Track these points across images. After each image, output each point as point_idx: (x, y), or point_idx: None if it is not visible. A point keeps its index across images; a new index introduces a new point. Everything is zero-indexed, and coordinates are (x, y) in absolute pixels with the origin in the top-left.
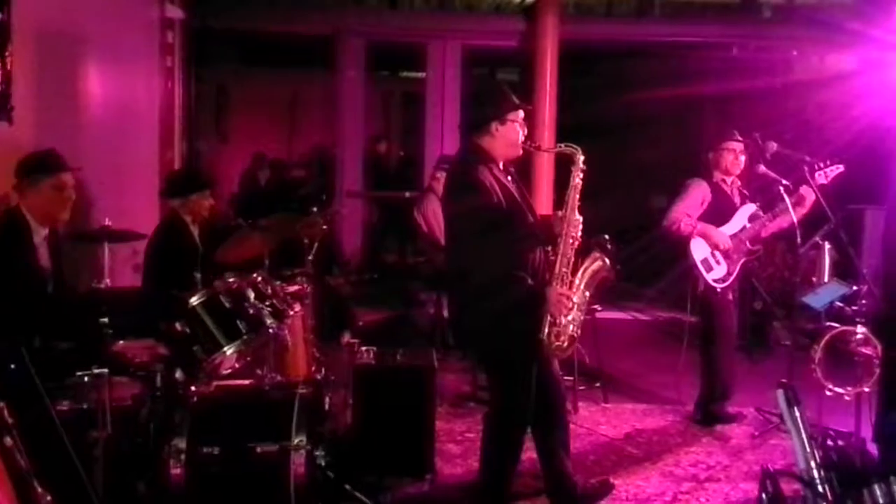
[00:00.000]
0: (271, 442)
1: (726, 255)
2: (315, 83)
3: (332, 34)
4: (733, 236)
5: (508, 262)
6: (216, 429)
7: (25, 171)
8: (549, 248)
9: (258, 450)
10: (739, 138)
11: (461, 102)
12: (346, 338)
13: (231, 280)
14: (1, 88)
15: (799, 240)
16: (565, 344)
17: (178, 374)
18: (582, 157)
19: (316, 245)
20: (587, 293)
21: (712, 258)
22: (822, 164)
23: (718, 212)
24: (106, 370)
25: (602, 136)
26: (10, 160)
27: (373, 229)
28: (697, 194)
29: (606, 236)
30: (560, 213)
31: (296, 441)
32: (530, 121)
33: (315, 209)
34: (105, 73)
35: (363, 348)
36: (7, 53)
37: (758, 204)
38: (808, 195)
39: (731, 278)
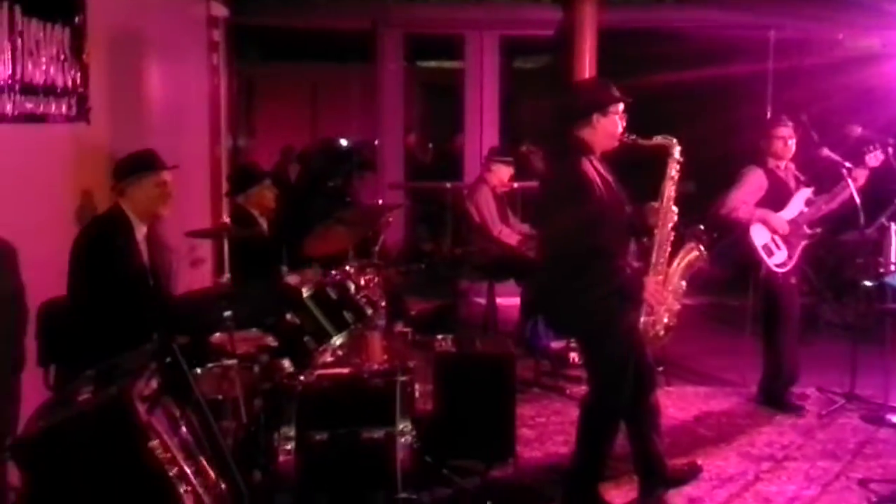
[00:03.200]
0: (377, 427)
1: (786, 239)
2: (335, 75)
3: (370, 27)
4: (791, 221)
5: (609, 252)
6: (323, 416)
7: (128, 170)
8: (645, 239)
9: (364, 435)
10: (789, 123)
11: (500, 93)
12: (400, 327)
13: (335, 272)
14: (80, 89)
15: (862, 220)
16: (661, 332)
17: (287, 364)
18: (678, 149)
19: (382, 237)
20: (683, 283)
21: (773, 243)
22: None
23: (775, 197)
24: (235, 361)
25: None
26: (89, 159)
27: (410, 220)
28: (754, 181)
29: (701, 226)
30: (656, 204)
31: (401, 426)
32: None
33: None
34: (164, 72)
35: (440, 337)
36: (84, 55)
37: (812, 188)
38: (861, 177)
39: (792, 262)
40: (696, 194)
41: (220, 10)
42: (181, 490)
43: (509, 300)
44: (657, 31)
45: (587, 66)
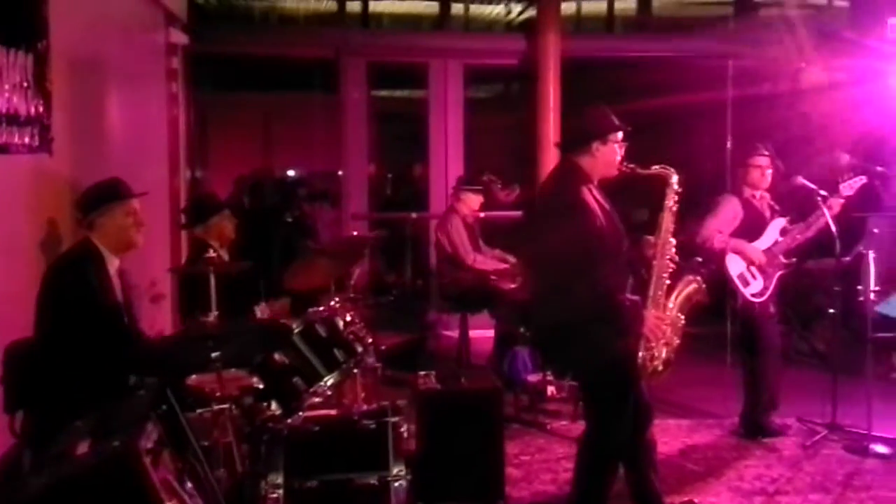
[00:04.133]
0: (369, 472)
1: (762, 269)
2: (289, 105)
3: (334, 55)
4: (766, 251)
5: (607, 285)
6: (312, 462)
7: (95, 201)
8: (643, 271)
9: (357, 482)
10: (765, 153)
11: (463, 122)
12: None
13: (321, 308)
14: (43, 119)
15: (837, 249)
16: (660, 367)
17: (274, 407)
18: (676, 178)
19: (357, 271)
20: (681, 316)
21: (748, 273)
22: (845, 178)
23: (750, 227)
24: (228, 405)
25: None
26: (52, 192)
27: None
28: (729, 210)
29: (699, 259)
30: (653, 237)
31: (395, 471)
32: (533, 140)
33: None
34: (124, 101)
35: (423, 373)
36: (47, 82)
37: (788, 217)
38: (836, 205)
39: (769, 292)
40: (649, 222)
41: (180, 38)
42: None
43: (480, 332)
44: (618, 60)
45: (551, 95)
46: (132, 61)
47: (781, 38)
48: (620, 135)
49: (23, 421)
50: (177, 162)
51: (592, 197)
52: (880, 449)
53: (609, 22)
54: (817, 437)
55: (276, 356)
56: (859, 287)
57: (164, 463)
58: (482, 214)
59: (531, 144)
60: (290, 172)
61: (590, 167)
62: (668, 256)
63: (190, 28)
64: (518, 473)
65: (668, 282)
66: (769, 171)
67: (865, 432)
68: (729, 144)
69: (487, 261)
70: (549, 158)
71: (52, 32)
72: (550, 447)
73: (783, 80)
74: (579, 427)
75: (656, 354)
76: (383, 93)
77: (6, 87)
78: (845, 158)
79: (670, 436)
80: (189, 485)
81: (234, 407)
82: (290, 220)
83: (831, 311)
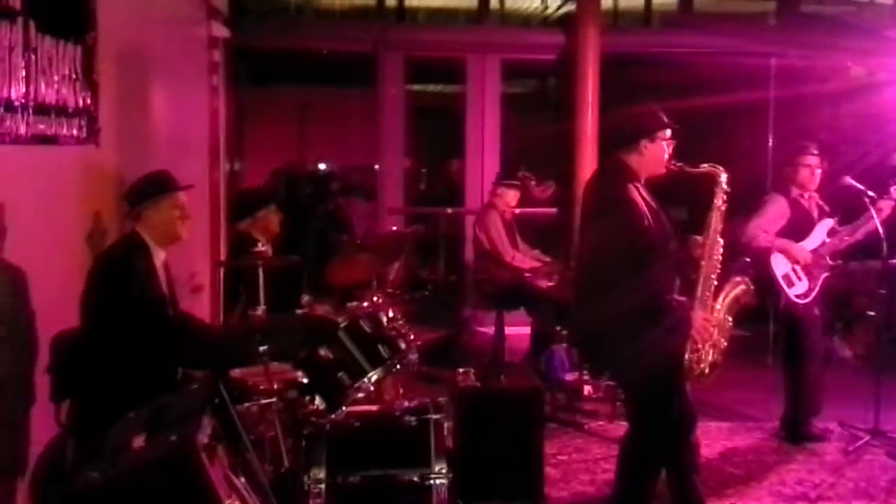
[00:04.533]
0: (411, 469)
1: (807, 270)
2: (323, 98)
3: (371, 50)
4: (813, 251)
5: (656, 284)
6: (354, 457)
7: (143, 193)
8: (691, 272)
9: (399, 478)
10: (815, 152)
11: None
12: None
13: (364, 304)
14: (91, 110)
15: (885, 250)
16: (707, 370)
17: (318, 402)
18: (725, 177)
19: (396, 266)
20: (729, 318)
21: (793, 274)
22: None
23: (798, 227)
24: (274, 398)
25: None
26: (98, 183)
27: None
28: (776, 210)
29: (747, 259)
30: (701, 237)
31: (437, 468)
32: (572, 137)
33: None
34: (168, 93)
35: (462, 370)
36: (95, 74)
37: (836, 218)
38: (887, 207)
39: (813, 294)
40: (686, 221)
41: (222, 31)
42: None
43: (514, 329)
44: (658, 56)
45: (590, 91)
46: (175, 54)
47: (824, 36)
48: (669, 133)
49: (69, 411)
50: (217, 155)
51: (640, 195)
52: None
53: (647, 17)
54: (860, 442)
55: (322, 351)
56: None
57: (220, 457)
58: (517, 210)
59: (569, 141)
60: (322, 166)
61: (637, 165)
62: (715, 257)
63: (231, 21)
64: (556, 473)
65: (715, 283)
66: (818, 171)
67: None
68: (770, 144)
69: (525, 259)
70: (588, 155)
71: (99, 24)
72: (588, 447)
73: (827, 79)
74: (617, 427)
75: (703, 357)
76: (419, 87)
77: (55, 78)
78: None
79: (711, 438)
80: (242, 479)
81: (278, 402)
82: (324, 213)
83: (870, 313)
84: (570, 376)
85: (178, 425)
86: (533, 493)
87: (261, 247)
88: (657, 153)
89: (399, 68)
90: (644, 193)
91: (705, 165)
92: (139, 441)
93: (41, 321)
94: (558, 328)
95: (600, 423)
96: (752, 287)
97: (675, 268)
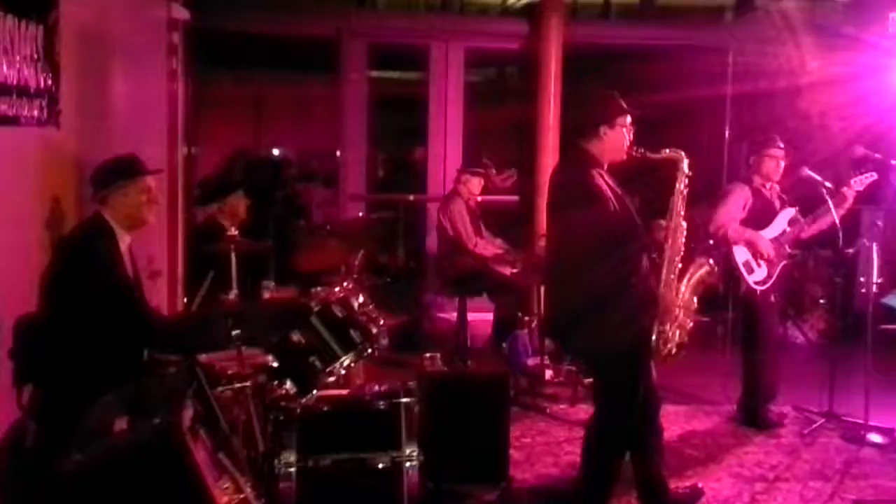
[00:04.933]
0: (382, 452)
1: (767, 258)
2: (284, 83)
3: (334, 36)
4: (773, 240)
5: (622, 268)
6: (325, 441)
7: (111, 176)
8: (655, 255)
9: (370, 461)
10: (781, 145)
11: (464, 106)
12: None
13: (337, 289)
14: (52, 92)
15: (840, 242)
16: (674, 350)
17: (289, 386)
18: (686, 162)
19: (362, 252)
20: (694, 298)
21: (753, 261)
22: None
23: (759, 216)
24: (248, 383)
25: None
26: (58, 165)
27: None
28: (739, 198)
29: (711, 241)
30: (664, 220)
31: (408, 451)
32: (534, 124)
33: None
34: (127, 76)
35: (428, 355)
36: (56, 55)
37: (797, 208)
38: (849, 197)
39: (771, 281)
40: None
41: (181, 13)
42: None
43: (476, 315)
44: (617, 51)
45: (552, 80)
46: (135, 36)
47: (780, 33)
48: (628, 119)
49: (31, 395)
50: (175, 139)
51: (604, 182)
52: (876, 438)
53: (605, 9)
54: (815, 425)
55: (294, 336)
56: (861, 279)
57: (203, 440)
58: (479, 198)
59: (531, 129)
60: (276, 151)
61: (599, 152)
62: (679, 240)
63: (191, 3)
64: (520, 455)
65: (679, 265)
66: (783, 164)
67: (862, 422)
68: (727, 136)
69: (488, 246)
70: (549, 143)
71: (60, 3)
72: (550, 430)
73: (783, 75)
74: (578, 410)
75: (669, 337)
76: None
77: (17, 58)
78: (860, 151)
79: (669, 421)
80: (227, 461)
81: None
82: (282, 199)
83: (822, 300)
84: (532, 361)
85: (159, 408)
86: (498, 474)
87: (232, 231)
88: (617, 139)
89: (362, 55)
90: (608, 179)
91: (667, 150)
92: (121, 424)
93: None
94: (520, 314)
95: (562, 406)
96: (715, 268)
97: (642, 251)
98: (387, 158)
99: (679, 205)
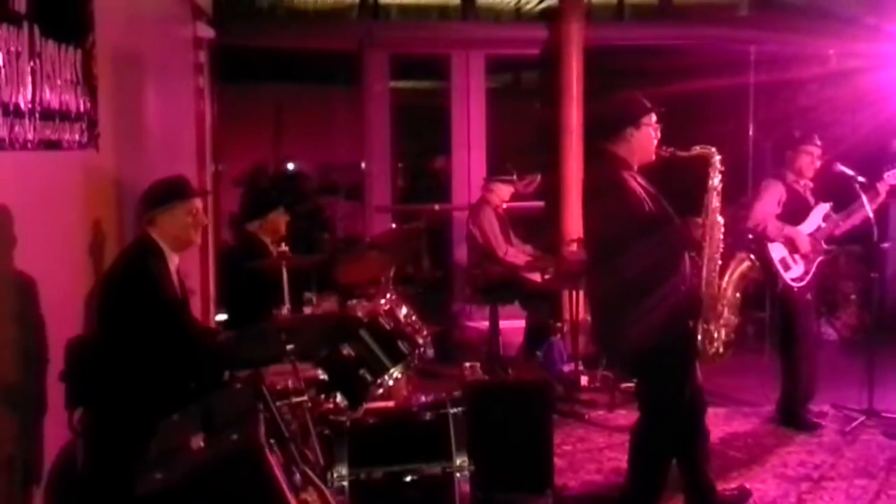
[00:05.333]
0: (433, 462)
1: (803, 254)
2: (304, 96)
3: (356, 49)
4: (809, 236)
5: (663, 269)
6: (376, 453)
7: (161, 198)
8: (693, 254)
9: (422, 472)
10: (818, 142)
11: (486, 113)
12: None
13: (383, 301)
14: (91, 115)
15: (875, 235)
16: (721, 349)
17: (339, 399)
18: (718, 158)
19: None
20: (737, 295)
21: (790, 258)
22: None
23: (793, 211)
24: (305, 398)
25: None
26: (98, 187)
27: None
28: (774, 194)
29: (750, 236)
30: (700, 218)
31: (458, 462)
32: (557, 128)
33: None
34: (159, 96)
35: (468, 364)
36: (94, 78)
37: (831, 203)
38: (882, 192)
39: (808, 277)
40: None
41: (206, 32)
42: None
43: (506, 324)
44: (640, 48)
45: (574, 83)
46: (165, 56)
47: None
48: (654, 118)
49: (81, 417)
50: (203, 156)
51: (637, 183)
52: None
53: (620, 10)
54: (855, 423)
55: (344, 349)
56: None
57: (277, 455)
58: (505, 206)
59: (554, 133)
60: (290, 166)
61: (627, 154)
62: (717, 237)
63: (215, 22)
64: (563, 463)
65: (719, 262)
66: (818, 161)
67: None
68: (751, 131)
69: (519, 254)
70: (573, 147)
71: (97, 27)
72: (590, 437)
73: (805, 67)
74: (616, 416)
75: (715, 336)
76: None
77: (58, 82)
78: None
79: (710, 424)
80: (297, 476)
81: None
82: (305, 213)
83: (853, 297)
84: (567, 368)
85: (233, 425)
86: (543, 483)
87: (282, 248)
88: (645, 140)
89: (384, 66)
90: (640, 180)
91: (697, 147)
92: (197, 441)
93: (48, 327)
94: (554, 321)
95: (600, 412)
96: (756, 263)
97: (682, 251)
98: (406, 169)
99: (714, 201)
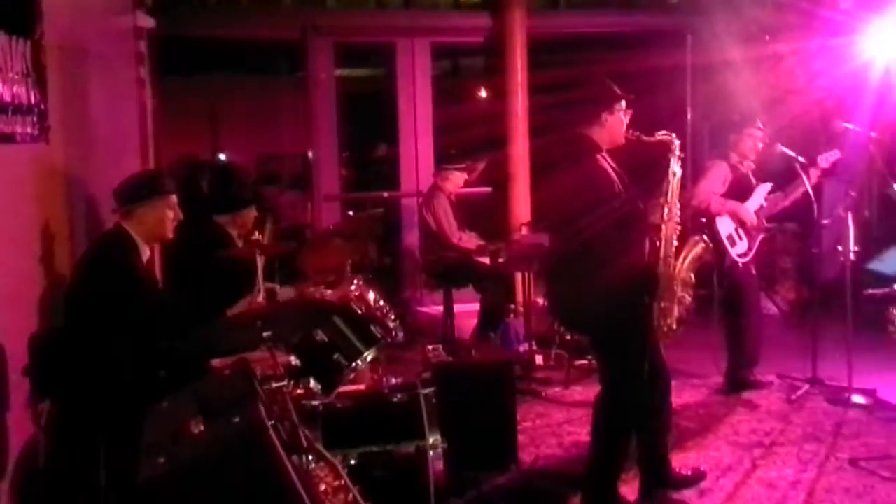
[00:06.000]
0: (407, 442)
1: (747, 231)
2: (244, 87)
3: (299, 37)
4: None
5: (626, 249)
6: (350, 436)
7: (139, 192)
8: (652, 235)
9: (396, 452)
10: (760, 125)
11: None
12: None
13: (353, 287)
14: (41, 107)
15: (816, 212)
16: (674, 325)
17: (312, 384)
18: (678, 143)
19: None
20: (691, 275)
21: (736, 234)
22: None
23: (737, 191)
24: (284, 382)
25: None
26: (50, 181)
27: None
28: (719, 173)
29: (703, 219)
30: (661, 199)
31: (431, 440)
32: (503, 115)
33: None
34: (103, 88)
35: (429, 347)
36: (43, 70)
37: (771, 183)
38: (814, 177)
39: (752, 253)
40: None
41: (146, 21)
42: None
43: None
44: (582, 36)
45: (519, 71)
46: (107, 46)
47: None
48: (624, 104)
49: (49, 412)
50: (147, 148)
51: (608, 164)
52: (860, 400)
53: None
54: (800, 391)
55: (317, 335)
56: (839, 248)
57: (279, 435)
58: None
59: (500, 120)
60: (222, 156)
61: (599, 137)
62: (675, 220)
63: (155, 11)
64: (524, 439)
65: (676, 244)
66: (760, 144)
67: (846, 385)
68: (689, 115)
69: (472, 240)
70: (519, 134)
71: (46, 21)
72: (549, 413)
73: (739, 52)
74: (573, 392)
75: (669, 313)
76: (346, 72)
77: (10, 74)
78: (841, 125)
79: None
80: (321, 449)
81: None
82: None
83: (791, 271)
84: (522, 348)
85: (232, 408)
86: (507, 458)
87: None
88: (616, 124)
89: (329, 54)
90: (611, 162)
91: (660, 133)
92: (197, 425)
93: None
94: (508, 304)
95: (556, 389)
96: (710, 245)
97: (645, 232)
98: (349, 157)
99: (674, 186)
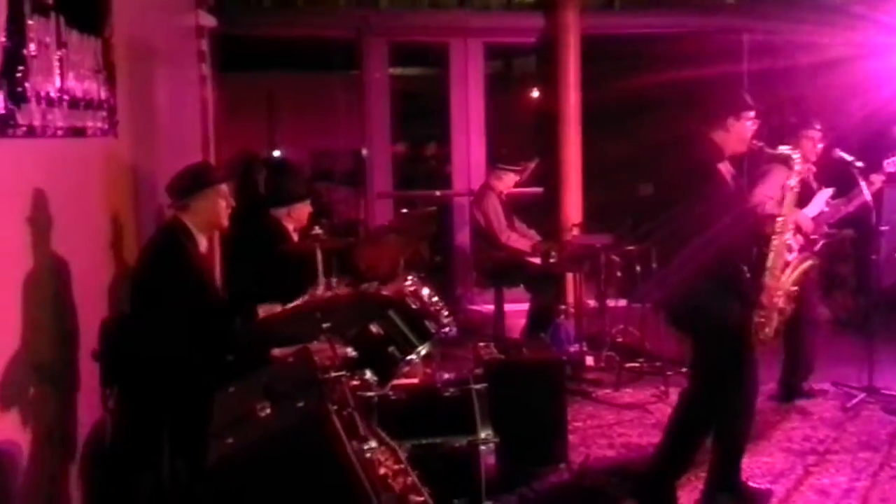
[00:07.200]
0: (459, 436)
1: (806, 237)
2: (301, 84)
3: (354, 36)
4: (813, 219)
5: (736, 254)
6: (404, 428)
7: (193, 184)
8: (763, 246)
9: (448, 445)
10: (818, 127)
11: (484, 101)
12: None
13: (408, 283)
14: (111, 102)
15: (874, 220)
16: (771, 334)
17: (368, 375)
18: (797, 156)
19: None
20: (794, 288)
21: (793, 240)
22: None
23: (799, 196)
24: (342, 372)
25: (601, 124)
26: (117, 175)
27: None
28: (779, 178)
29: (814, 236)
30: (775, 212)
31: (483, 434)
32: (555, 115)
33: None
34: (168, 85)
35: (482, 344)
36: (112, 66)
37: (833, 188)
38: (877, 182)
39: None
40: (654, 197)
41: (208, 20)
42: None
43: (510, 306)
44: (636, 36)
45: (572, 71)
46: (171, 44)
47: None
48: (752, 113)
49: (116, 396)
50: (207, 144)
51: (726, 170)
52: None
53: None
54: (856, 399)
55: (373, 327)
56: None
57: (342, 420)
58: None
59: (552, 120)
60: (276, 153)
61: (722, 141)
62: (787, 234)
63: (216, 10)
64: (574, 439)
65: (786, 257)
66: (820, 145)
67: None
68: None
69: (521, 239)
70: (571, 134)
71: (115, 18)
72: (600, 414)
73: (797, 54)
74: (623, 395)
75: (769, 322)
76: (400, 71)
77: (83, 71)
78: None
79: None
80: (382, 434)
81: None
82: None
83: (848, 279)
84: (573, 349)
85: (297, 393)
86: (558, 456)
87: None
88: (741, 132)
89: (383, 53)
90: (730, 169)
91: (784, 148)
92: (264, 409)
93: (78, 309)
94: (560, 304)
95: (607, 391)
96: (818, 262)
97: (754, 241)
98: (400, 155)
99: (790, 199)
